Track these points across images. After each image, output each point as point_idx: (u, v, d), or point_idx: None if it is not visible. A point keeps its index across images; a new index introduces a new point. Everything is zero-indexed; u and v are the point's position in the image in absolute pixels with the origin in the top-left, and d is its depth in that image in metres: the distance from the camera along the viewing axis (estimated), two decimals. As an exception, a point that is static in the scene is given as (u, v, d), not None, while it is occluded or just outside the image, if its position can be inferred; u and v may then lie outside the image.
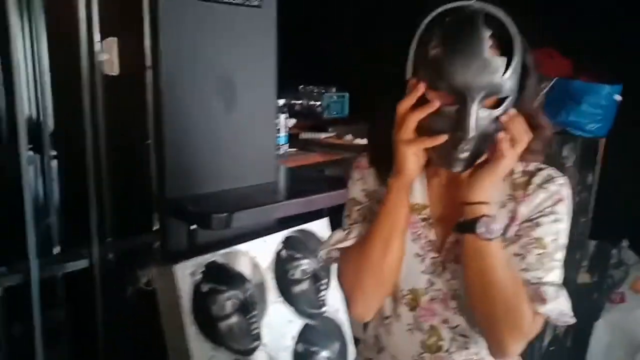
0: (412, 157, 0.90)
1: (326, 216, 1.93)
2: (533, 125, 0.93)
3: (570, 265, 2.55)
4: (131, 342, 1.62)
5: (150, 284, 1.58)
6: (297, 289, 1.77)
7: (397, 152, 0.91)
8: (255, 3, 1.65)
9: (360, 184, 1.05)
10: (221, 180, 1.69)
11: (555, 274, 0.94)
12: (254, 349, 1.60)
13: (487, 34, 0.83)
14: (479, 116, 0.84)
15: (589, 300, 2.58)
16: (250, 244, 1.68)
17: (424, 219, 1.01)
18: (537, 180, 0.97)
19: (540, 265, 0.93)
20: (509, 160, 0.88)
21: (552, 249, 0.94)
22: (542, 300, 0.91)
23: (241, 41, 1.68)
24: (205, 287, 1.55)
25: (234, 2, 1.60)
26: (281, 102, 2.35)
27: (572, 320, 0.94)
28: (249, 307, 1.58)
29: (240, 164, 1.73)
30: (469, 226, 0.91)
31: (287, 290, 1.77)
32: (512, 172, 0.98)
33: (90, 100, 1.39)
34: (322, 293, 1.81)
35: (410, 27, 0.93)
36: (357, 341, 1.99)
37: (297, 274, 1.78)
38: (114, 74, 1.59)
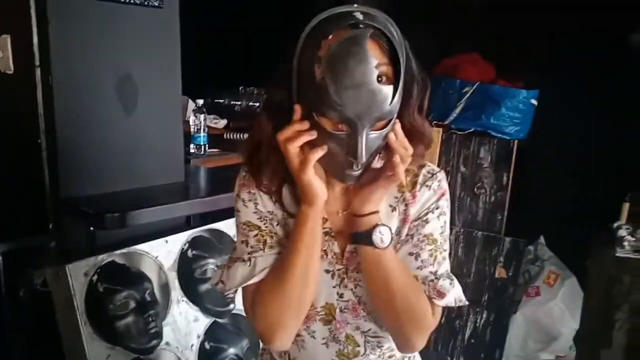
0: (318, 182, 0.89)
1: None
2: (417, 132, 0.94)
3: (487, 260, 2.67)
4: (26, 343, 1.61)
5: (46, 284, 1.57)
6: (203, 287, 1.79)
7: (300, 183, 0.88)
8: (156, 4, 1.66)
9: (253, 206, 0.97)
10: (122, 180, 1.69)
11: (446, 264, 1.00)
12: (153, 348, 1.61)
13: (374, 63, 0.81)
14: (369, 139, 0.84)
15: (505, 294, 2.69)
16: (151, 244, 1.69)
17: (326, 233, 0.99)
18: (420, 179, 1.00)
19: (433, 260, 0.97)
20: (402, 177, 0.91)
21: (441, 241, 0.99)
22: (441, 294, 0.96)
23: (142, 41, 1.68)
24: (101, 287, 1.55)
25: (132, 2, 1.61)
26: (200, 102, 2.36)
27: (466, 303, 1.00)
28: (147, 306, 1.59)
29: (143, 164, 1.74)
30: (365, 237, 0.92)
31: (193, 289, 1.78)
32: None
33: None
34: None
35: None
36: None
37: (203, 273, 1.79)
38: (9, 72, 1.58)
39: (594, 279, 2.17)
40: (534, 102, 2.73)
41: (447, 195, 1.01)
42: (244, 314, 1.93)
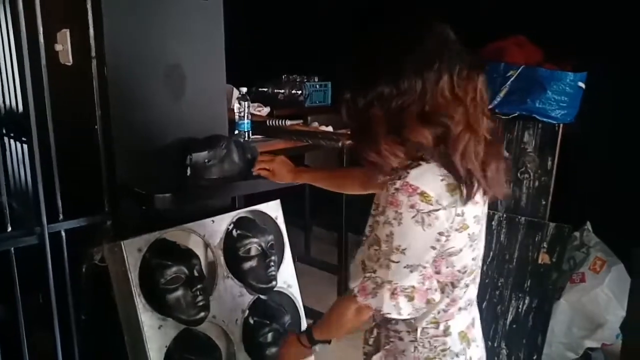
0: None
1: (278, 198, 2.04)
2: None
3: (530, 246, 2.65)
4: (87, 315, 1.75)
5: (104, 260, 1.70)
6: (247, 265, 1.87)
7: None
8: (201, -4, 1.74)
9: None
10: (171, 163, 1.79)
11: (388, 273, 1.01)
12: (201, 320, 1.71)
13: None
14: None
15: (548, 280, 2.66)
16: (198, 224, 1.79)
17: None
18: (393, 176, 1.00)
19: (375, 259, 1.03)
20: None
21: (386, 249, 1.00)
22: (365, 293, 1.05)
23: (189, 33, 1.78)
24: (153, 262, 1.66)
25: (179, -5, 1.70)
26: (244, 90, 2.44)
27: (397, 317, 1.05)
28: (195, 281, 1.69)
29: (191, 148, 1.84)
30: None
31: (237, 266, 1.87)
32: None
33: (34, 89, 1.50)
34: (271, 269, 1.91)
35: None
36: (307, 313, 2.11)
37: (247, 252, 1.88)
38: (68, 63, 1.70)
39: (642, 265, 2.12)
40: (582, 85, 2.66)
41: (402, 209, 0.96)
42: (285, 291, 2.02)
